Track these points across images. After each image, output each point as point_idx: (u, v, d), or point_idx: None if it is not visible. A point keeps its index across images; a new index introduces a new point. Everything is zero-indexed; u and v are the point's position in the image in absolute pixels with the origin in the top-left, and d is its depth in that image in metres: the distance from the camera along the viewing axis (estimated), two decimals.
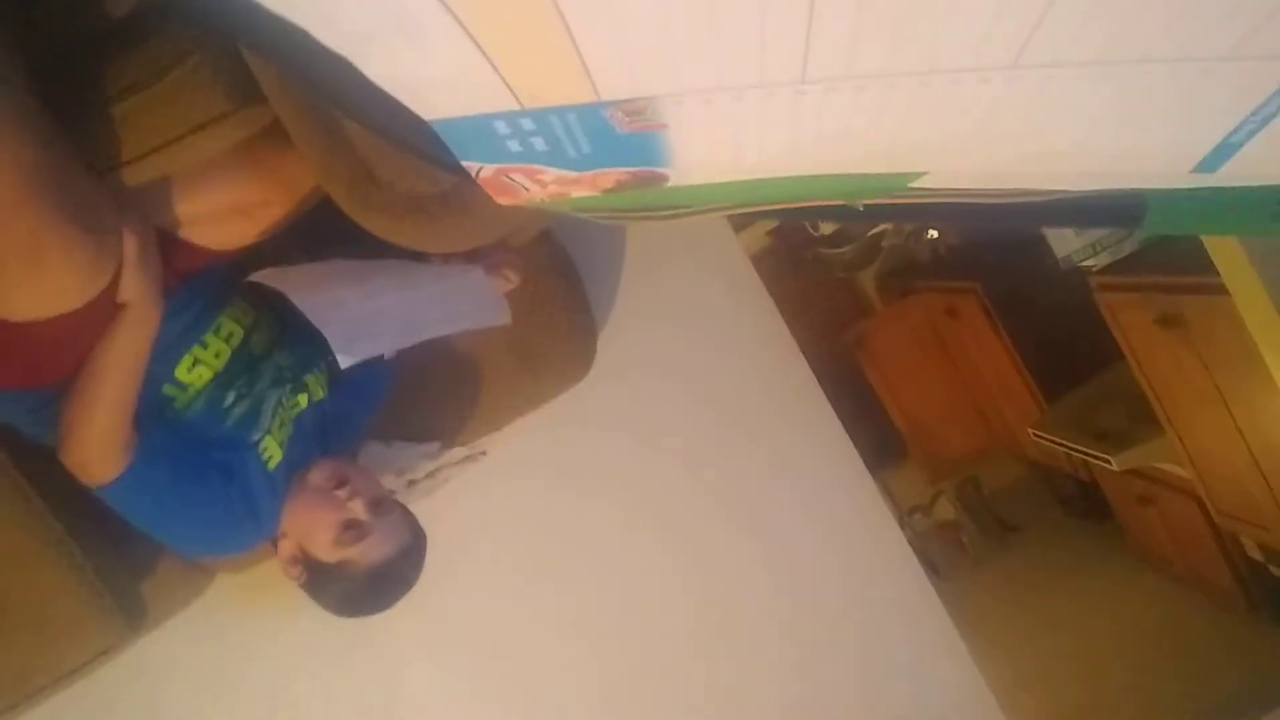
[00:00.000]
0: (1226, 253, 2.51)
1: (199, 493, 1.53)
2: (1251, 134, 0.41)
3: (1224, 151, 0.43)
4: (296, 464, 1.67)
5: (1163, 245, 3.35)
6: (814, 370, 2.60)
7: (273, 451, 1.62)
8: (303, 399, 1.71)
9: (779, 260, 5.33)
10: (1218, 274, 2.59)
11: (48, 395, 1.46)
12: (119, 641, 1.81)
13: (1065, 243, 3.72)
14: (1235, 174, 0.44)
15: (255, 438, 1.60)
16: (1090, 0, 0.34)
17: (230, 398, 1.60)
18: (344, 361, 1.45)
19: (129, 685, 2.16)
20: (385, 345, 1.69)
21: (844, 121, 0.41)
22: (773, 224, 5.32)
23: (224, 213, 1.51)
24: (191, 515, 1.55)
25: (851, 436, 2.61)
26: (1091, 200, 0.47)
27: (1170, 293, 3.16)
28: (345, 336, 1.47)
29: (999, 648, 4.09)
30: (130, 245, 1.31)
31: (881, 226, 5.13)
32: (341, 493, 1.63)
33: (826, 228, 5.14)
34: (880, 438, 5.06)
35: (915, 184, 0.45)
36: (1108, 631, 4.35)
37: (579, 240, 2.23)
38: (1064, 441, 4.23)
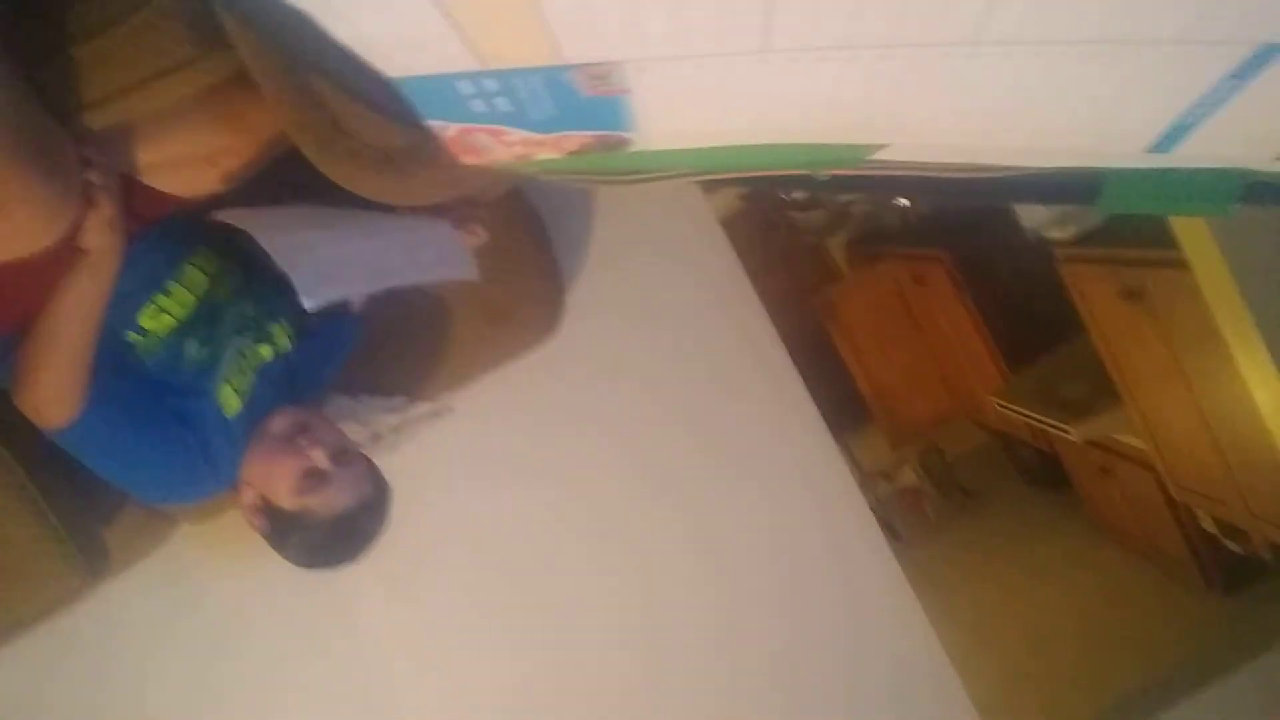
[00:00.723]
0: (1190, 229, 2.53)
1: (154, 437, 1.53)
2: (1203, 116, 0.42)
3: (1177, 133, 0.44)
4: (259, 414, 1.66)
5: (1128, 220, 3.38)
6: (780, 334, 2.61)
7: (230, 400, 1.61)
8: (265, 350, 1.70)
9: (749, 223, 5.33)
10: (1181, 250, 2.62)
11: (3, 340, 1.45)
12: (80, 588, 1.81)
13: (1033, 214, 3.75)
14: (1188, 155, 0.45)
15: (212, 385, 1.59)
16: None
17: (192, 345, 1.59)
18: (309, 304, 1.44)
19: (90, 631, 2.16)
20: (350, 290, 1.68)
21: (805, 92, 0.42)
22: (744, 187, 5.32)
23: (188, 159, 1.49)
24: (147, 460, 1.54)
25: (816, 401, 2.63)
26: (1048, 177, 0.48)
27: (1134, 267, 3.19)
28: (311, 279, 1.46)
29: (956, 612, 4.15)
30: (95, 194, 1.30)
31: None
32: (303, 440, 1.62)
33: (798, 192, 5.14)
34: (845, 403, 5.10)
35: (876, 156, 0.46)
36: (1063, 598, 4.42)
37: (548, 199, 2.23)
38: (1026, 411, 4.28)
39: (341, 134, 1.31)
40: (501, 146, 0.45)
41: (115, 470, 1.56)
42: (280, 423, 1.65)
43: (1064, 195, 0.47)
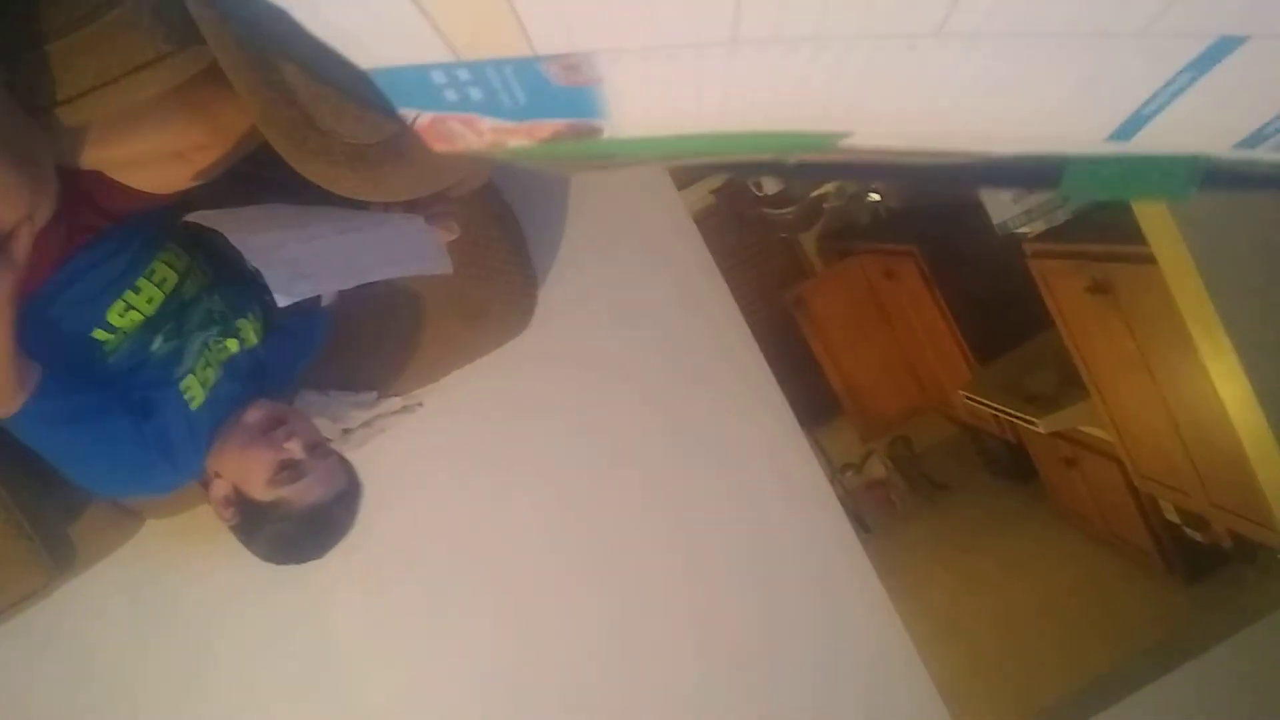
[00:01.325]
0: (1156, 224, 2.56)
1: (108, 427, 1.52)
2: (1161, 107, 0.43)
3: (1136, 122, 0.45)
4: (225, 408, 1.66)
5: (1095, 214, 3.42)
6: (752, 328, 2.63)
7: (195, 392, 1.61)
8: (233, 343, 1.69)
9: (722, 219, 5.35)
10: (1148, 244, 2.65)
11: None
12: (46, 584, 1.79)
13: (1002, 209, 3.78)
14: (1147, 142, 0.46)
15: (177, 375, 1.59)
16: None
17: (157, 341, 1.59)
18: (282, 301, 1.45)
19: (55, 629, 2.15)
20: (324, 286, 1.68)
21: (774, 82, 0.43)
22: (717, 183, 5.33)
23: (160, 156, 1.49)
24: (99, 450, 1.54)
25: (787, 394, 2.65)
26: (1011, 163, 0.49)
27: (1101, 261, 3.23)
28: (284, 276, 1.46)
29: (923, 602, 4.19)
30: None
31: (824, 189, 5.18)
32: (279, 433, 1.62)
33: (770, 187, 5.17)
34: (815, 396, 5.14)
35: (842, 143, 0.47)
36: (1029, 587, 4.47)
37: (522, 194, 2.23)
38: (993, 403, 4.32)
39: (314, 130, 1.31)
40: (474, 135, 0.45)
41: (66, 460, 1.56)
42: (256, 414, 1.65)
43: (1026, 181, 0.48)
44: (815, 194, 5.24)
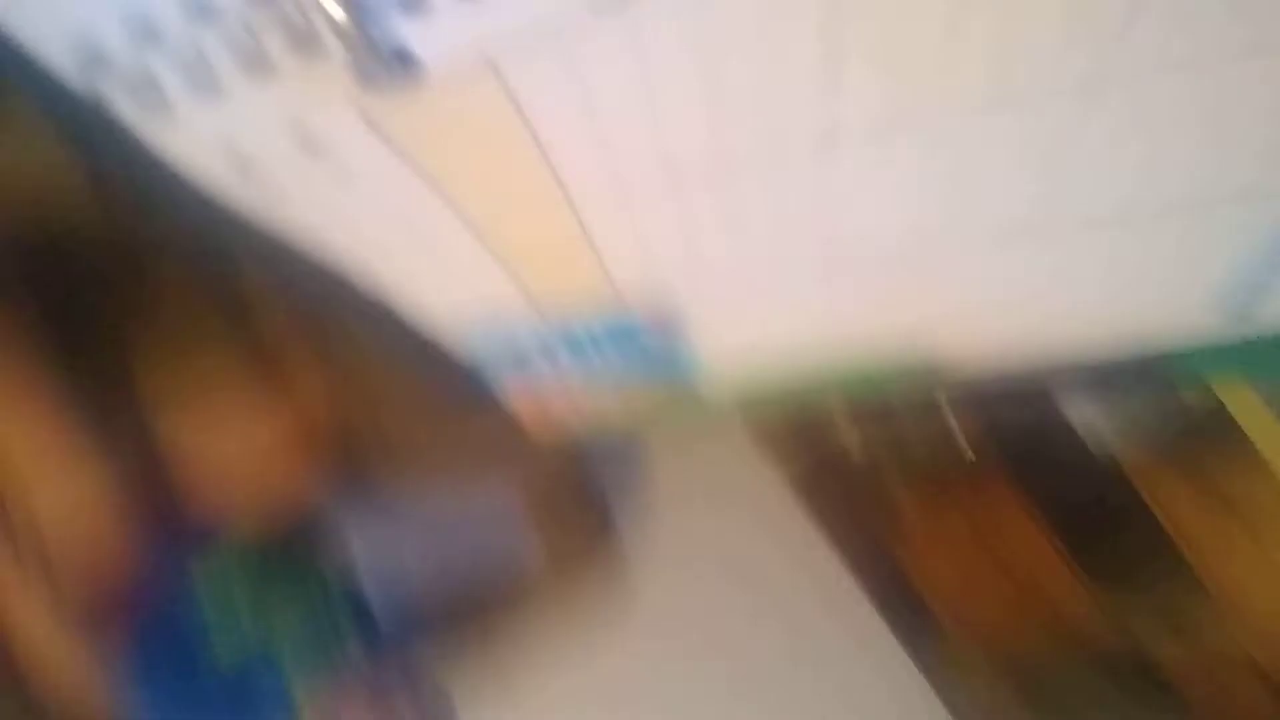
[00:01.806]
0: (1253, 416, 2.48)
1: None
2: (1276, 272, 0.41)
3: (1254, 294, 0.43)
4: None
5: (1195, 426, 3.33)
6: (857, 580, 2.55)
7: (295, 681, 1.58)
8: (326, 644, 1.67)
9: (810, 481, 5.32)
10: (1252, 442, 2.56)
11: None
12: None
13: (1094, 429, 3.71)
14: (1269, 312, 0.44)
15: (277, 684, 1.56)
16: (1111, 153, 0.34)
17: (259, 667, 1.57)
18: (379, 606, 1.43)
19: None
20: (417, 589, 1.67)
21: (863, 310, 0.42)
22: (800, 448, 5.34)
23: (240, 460, 1.52)
24: None
25: (901, 643, 2.54)
26: (1118, 366, 0.47)
27: (1209, 468, 3.12)
28: (385, 589, 1.46)
29: None
30: None
31: (906, 432, 5.14)
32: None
33: (853, 441, 5.13)
34: (930, 640, 4.92)
35: (926, 356, 0.45)
36: None
37: (608, 464, 2.23)
38: (1118, 629, 4.10)
39: (377, 431, 1.33)
40: (563, 398, 0.44)
41: None
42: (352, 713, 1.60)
43: (1138, 382, 0.46)
44: (899, 440, 5.20)
